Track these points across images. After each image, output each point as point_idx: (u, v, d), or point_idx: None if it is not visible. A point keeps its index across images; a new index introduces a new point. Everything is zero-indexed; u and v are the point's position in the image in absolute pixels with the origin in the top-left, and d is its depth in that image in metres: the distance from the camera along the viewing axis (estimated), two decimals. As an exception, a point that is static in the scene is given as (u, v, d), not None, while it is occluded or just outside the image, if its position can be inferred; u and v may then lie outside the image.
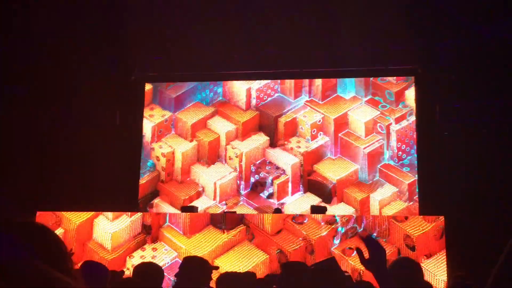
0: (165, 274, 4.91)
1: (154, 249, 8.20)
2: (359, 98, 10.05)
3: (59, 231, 8.46)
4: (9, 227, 1.21)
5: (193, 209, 9.17)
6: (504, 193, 8.59)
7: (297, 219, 8.11)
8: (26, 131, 9.89)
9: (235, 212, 9.35)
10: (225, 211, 9.58)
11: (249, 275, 5.01)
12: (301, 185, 9.89)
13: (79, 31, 9.62)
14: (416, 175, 9.53)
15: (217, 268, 5.69)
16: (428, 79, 9.57)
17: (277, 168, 9.98)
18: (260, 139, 10.16)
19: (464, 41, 9.27)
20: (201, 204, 9.98)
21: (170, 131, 10.40)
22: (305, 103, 10.17)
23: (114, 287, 3.99)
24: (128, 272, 7.03)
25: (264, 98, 10.30)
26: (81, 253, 8.20)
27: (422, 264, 7.23)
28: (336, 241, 7.84)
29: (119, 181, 9.87)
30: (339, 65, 9.98)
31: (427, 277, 7.28)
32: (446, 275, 7.35)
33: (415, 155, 9.62)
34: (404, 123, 9.77)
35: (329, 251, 7.81)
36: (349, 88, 10.12)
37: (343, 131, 9.97)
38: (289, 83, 10.27)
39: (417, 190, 9.49)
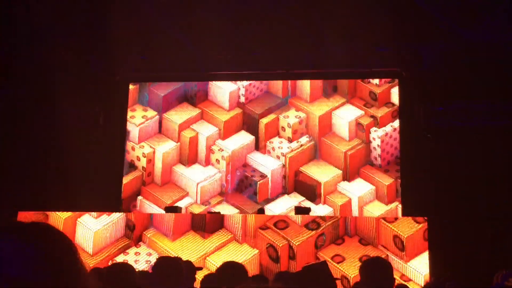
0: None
1: (137, 254, 8.18)
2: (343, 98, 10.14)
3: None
4: (17, 230, 1.18)
5: (177, 210, 9.19)
6: (486, 194, 8.72)
7: (279, 225, 8.14)
8: (8, 130, 9.82)
9: (219, 212, 9.37)
10: (209, 211, 9.59)
11: (235, 275, 4.98)
12: (284, 187, 9.92)
13: (62, 30, 9.59)
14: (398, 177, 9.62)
15: (200, 268, 5.70)
16: (412, 81, 9.66)
17: (261, 176, 9.99)
18: (245, 140, 10.17)
19: (448, 44, 9.40)
20: (184, 203, 9.98)
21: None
22: (289, 101, 10.22)
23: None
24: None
25: (253, 94, 10.31)
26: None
27: (408, 264, 7.35)
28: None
29: (102, 181, 9.82)
30: (324, 67, 10.04)
31: (410, 274, 7.37)
32: (428, 273, 7.45)
33: (398, 157, 9.71)
34: (388, 128, 9.85)
35: (313, 256, 7.86)
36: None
37: (327, 133, 10.03)
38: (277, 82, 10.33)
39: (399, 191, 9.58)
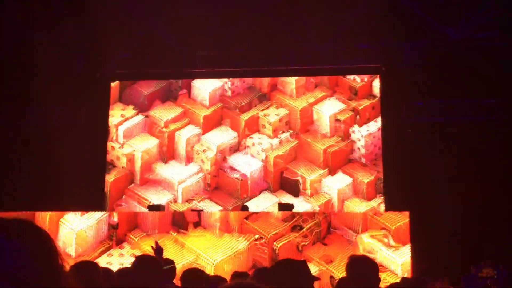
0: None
1: (122, 255, 8.17)
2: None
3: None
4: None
5: (159, 208, 9.19)
6: (467, 188, 8.85)
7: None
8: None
9: (202, 210, 9.42)
10: (192, 209, 9.62)
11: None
12: (269, 185, 9.97)
13: (44, 27, 9.56)
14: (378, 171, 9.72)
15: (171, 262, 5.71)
16: (393, 77, 9.76)
17: (242, 176, 10.04)
18: (228, 137, 10.21)
19: (428, 40, 9.52)
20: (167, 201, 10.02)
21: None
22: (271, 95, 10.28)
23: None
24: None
25: (239, 87, 10.36)
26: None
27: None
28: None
29: (84, 180, 9.80)
30: (306, 63, 10.10)
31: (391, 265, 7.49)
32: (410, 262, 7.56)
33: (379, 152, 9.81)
34: (372, 125, 9.94)
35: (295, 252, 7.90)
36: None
37: (308, 127, 10.10)
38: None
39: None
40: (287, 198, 9.80)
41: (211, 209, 9.74)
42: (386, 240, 7.76)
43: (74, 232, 8.30)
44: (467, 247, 8.31)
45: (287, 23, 9.61)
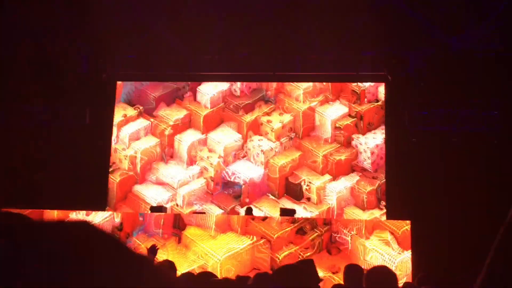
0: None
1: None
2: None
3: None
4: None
5: (161, 209, 9.27)
6: (470, 198, 8.93)
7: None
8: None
9: (204, 213, 9.52)
10: (194, 212, 9.71)
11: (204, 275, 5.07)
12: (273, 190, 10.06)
13: (50, 28, 9.65)
14: (383, 180, 9.81)
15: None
16: (398, 86, 9.84)
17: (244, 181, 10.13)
18: (231, 139, 10.28)
19: (433, 50, 9.61)
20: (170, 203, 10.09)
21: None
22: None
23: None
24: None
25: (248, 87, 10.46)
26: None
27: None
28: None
29: (88, 180, 9.88)
30: (311, 70, 10.19)
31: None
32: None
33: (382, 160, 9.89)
34: (378, 136, 10.03)
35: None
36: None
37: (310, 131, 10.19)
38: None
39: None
40: (289, 204, 9.88)
41: (213, 211, 9.83)
42: (391, 243, 7.85)
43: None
44: (468, 257, 8.38)
45: (293, 29, 9.70)
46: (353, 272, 4.64)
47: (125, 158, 10.37)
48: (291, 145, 10.19)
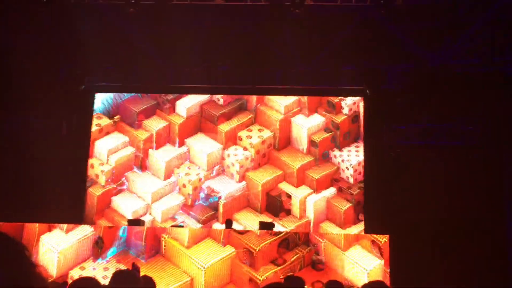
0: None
1: (106, 269, 8.20)
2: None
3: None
4: None
5: (139, 223, 9.23)
6: (448, 212, 9.09)
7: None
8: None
9: (182, 226, 9.52)
10: (172, 225, 9.69)
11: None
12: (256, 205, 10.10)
13: (28, 38, 9.59)
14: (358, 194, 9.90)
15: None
16: (377, 100, 9.97)
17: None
18: (211, 148, 10.30)
19: (412, 65, 9.77)
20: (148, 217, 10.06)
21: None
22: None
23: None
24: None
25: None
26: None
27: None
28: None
29: (65, 192, 9.81)
30: (289, 83, 10.27)
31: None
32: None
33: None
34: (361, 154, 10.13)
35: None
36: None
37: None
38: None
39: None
40: (267, 218, 9.93)
41: (192, 224, 9.83)
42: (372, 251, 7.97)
43: (56, 251, 8.29)
44: (447, 271, 8.53)
45: (273, 43, 9.78)
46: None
47: (102, 173, 10.30)
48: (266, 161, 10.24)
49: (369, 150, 10.01)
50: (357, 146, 10.16)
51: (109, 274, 8.08)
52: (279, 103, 10.46)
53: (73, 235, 8.35)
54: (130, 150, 10.36)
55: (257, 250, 8.15)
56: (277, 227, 9.38)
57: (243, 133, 10.35)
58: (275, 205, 10.12)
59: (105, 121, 10.50)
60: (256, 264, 8.11)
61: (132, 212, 10.13)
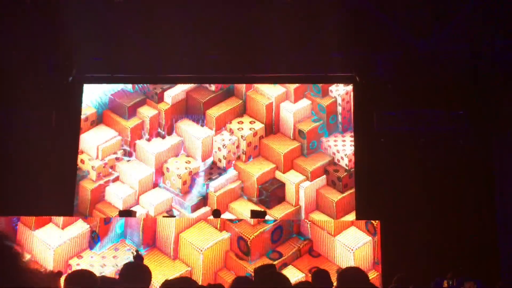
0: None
1: (103, 257, 8.28)
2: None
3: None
4: None
5: (131, 214, 9.28)
6: (437, 197, 9.21)
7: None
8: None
9: (174, 216, 9.59)
10: (164, 216, 9.75)
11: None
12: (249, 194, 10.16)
13: (16, 30, 9.58)
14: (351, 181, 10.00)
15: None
16: (366, 87, 10.04)
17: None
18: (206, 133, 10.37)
19: (401, 52, 9.84)
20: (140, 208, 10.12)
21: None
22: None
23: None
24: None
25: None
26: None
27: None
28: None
29: (55, 184, 9.84)
30: (279, 71, 10.32)
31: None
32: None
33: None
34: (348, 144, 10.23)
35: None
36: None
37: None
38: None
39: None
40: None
41: (184, 215, 9.91)
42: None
43: (51, 249, 8.35)
44: (435, 258, 8.66)
45: (262, 31, 9.81)
46: (320, 277, 4.92)
47: (92, 169, 10.33)
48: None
49: (359, 137, 10.09)
50: (351, 136, 10.23)
51: (107, 262, 8.21)
52: (268, 91, 10.53)
53: (69, 231, 8.42)
54: (118, 143, 10.39)
55: (251, 239, 8.24)
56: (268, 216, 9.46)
57: (234, 126, 10.39)
58: (266, 194, 10.21)
59: (90, 110, 10.51)
60: (251, 254, 8.21)
61: (123, 199, 10.16)
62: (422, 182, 9.33)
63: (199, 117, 10.49)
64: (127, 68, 10.36)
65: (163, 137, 10.46)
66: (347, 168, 10.10)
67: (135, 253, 5.66)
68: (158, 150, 10.40)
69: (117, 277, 5.17)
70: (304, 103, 10.46)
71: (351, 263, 7.97)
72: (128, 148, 10.41)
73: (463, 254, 8.77)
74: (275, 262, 7.99)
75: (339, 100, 10.41)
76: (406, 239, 8.93)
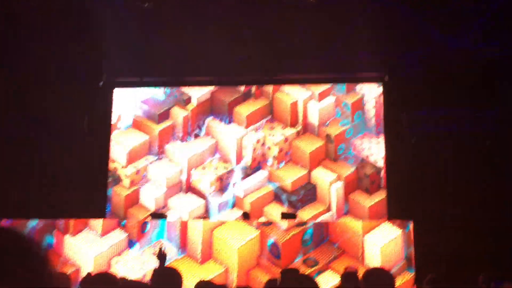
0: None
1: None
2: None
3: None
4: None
5: (162, 216, 9.41)
6: (470, 197, 9.11)
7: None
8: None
9: (205, 217, 9.69)
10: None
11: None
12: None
13: (48, 35, 9.77)
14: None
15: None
16: (395, 87, 9.99)
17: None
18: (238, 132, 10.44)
19: (430, 51, 9.76)
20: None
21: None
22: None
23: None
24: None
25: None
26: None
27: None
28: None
29: (87, 188, 10.00)
30: (308, 72, 10.32)
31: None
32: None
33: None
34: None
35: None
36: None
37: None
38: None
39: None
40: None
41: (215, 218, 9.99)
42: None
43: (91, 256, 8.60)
44: (470, 258, 8.56)
45: (290, 31, 9.83)
46: (349, 278, 5.01)
47: (125, 177, 10.48)
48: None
49: (389, 137, 10.04)
50: (380, 137, 10.18)
51: (146, 260, 8.41)
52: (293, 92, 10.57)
53: (107, 239, 8.61)
54: (147, 147, 10.54)
55: (282, 242, 8.31)
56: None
57: (266, 132, 10.44)
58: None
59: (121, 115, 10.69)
60: (281, 258, 8.28)
61: (155, 201, 10.31)
62: (454, 182, 9.24)
63: (224, 117, 10.57)
64: (156, 72, 10.48)
65: (195, 137, 10.54)
66: (375, 165, 10.06)
67: (160, 250, 5.72)
68: (190, 152, 10.52)
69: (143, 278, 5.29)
70: (329, 100, 10.46)
71: (379, 261, 8.01)
72: (157, 152, 10.53)
73: (499, 255, 8.66)
74: (311, 270, 8.05)
75: (366, 98, 10.38)
76: (440, 239, 8.85)
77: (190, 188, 10.38)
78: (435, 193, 9.29)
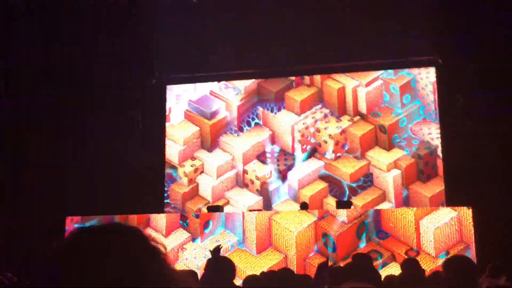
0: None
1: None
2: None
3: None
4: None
5: (218, 209, 9.57)
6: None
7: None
8: (50, 138, 10.29)
9: (261, 210, 9.79)
10: (250, 209, 9.96)
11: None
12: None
13: (97, 36, 10.01)
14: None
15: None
16: (449, 69, 9.81)
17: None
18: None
19: (484, 30, 9.51)
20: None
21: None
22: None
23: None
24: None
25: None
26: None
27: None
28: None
29: (144, 184, 10.23)
30: (360, 59, 10.25)
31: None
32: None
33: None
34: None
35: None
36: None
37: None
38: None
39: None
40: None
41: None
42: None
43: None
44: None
45: (340, 18, 9.77)
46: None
47: (184, 175, 10.68)
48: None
49: (444, 120, 9.88)
50: (435, 121, 10.06)
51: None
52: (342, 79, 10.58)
53: (173, 239, 8.96)
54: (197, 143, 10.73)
55: (336, 235, 8.36)
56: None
57: (321, 125, 10.44)
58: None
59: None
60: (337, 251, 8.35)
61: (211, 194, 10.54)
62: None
63: (272, 105, 10.64)
64: (208, 67, 10.59)
65: (248, 127, 10.69)
66: (429, 145, 9.97)
67: (216, 247, 5.88)
68: (245, 144, 10.67)
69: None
70: (376, 83, 10.41)
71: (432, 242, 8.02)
72: (209, 146, 10.72)
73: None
74: (377, 262, 8.08)
75: (422, 83, 10.27)
76: (500, 225, 8.68)
77: (246, 180, 10.52)
78: (494, 177, 9.08)
